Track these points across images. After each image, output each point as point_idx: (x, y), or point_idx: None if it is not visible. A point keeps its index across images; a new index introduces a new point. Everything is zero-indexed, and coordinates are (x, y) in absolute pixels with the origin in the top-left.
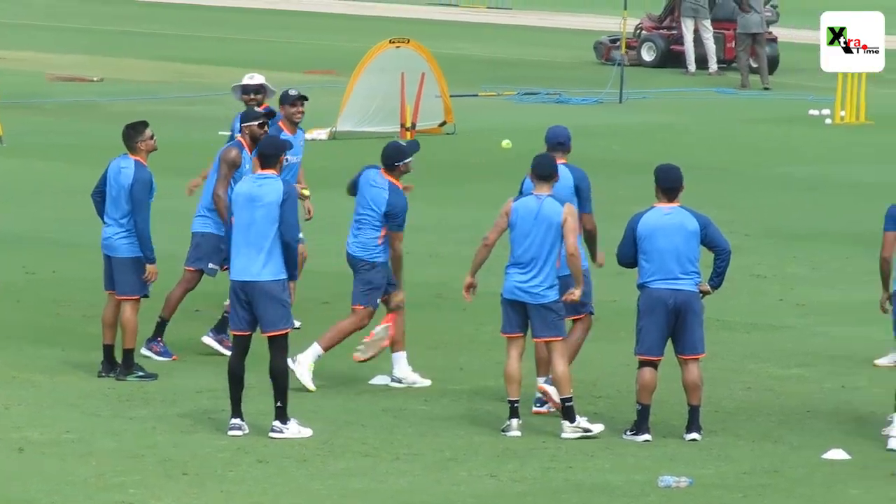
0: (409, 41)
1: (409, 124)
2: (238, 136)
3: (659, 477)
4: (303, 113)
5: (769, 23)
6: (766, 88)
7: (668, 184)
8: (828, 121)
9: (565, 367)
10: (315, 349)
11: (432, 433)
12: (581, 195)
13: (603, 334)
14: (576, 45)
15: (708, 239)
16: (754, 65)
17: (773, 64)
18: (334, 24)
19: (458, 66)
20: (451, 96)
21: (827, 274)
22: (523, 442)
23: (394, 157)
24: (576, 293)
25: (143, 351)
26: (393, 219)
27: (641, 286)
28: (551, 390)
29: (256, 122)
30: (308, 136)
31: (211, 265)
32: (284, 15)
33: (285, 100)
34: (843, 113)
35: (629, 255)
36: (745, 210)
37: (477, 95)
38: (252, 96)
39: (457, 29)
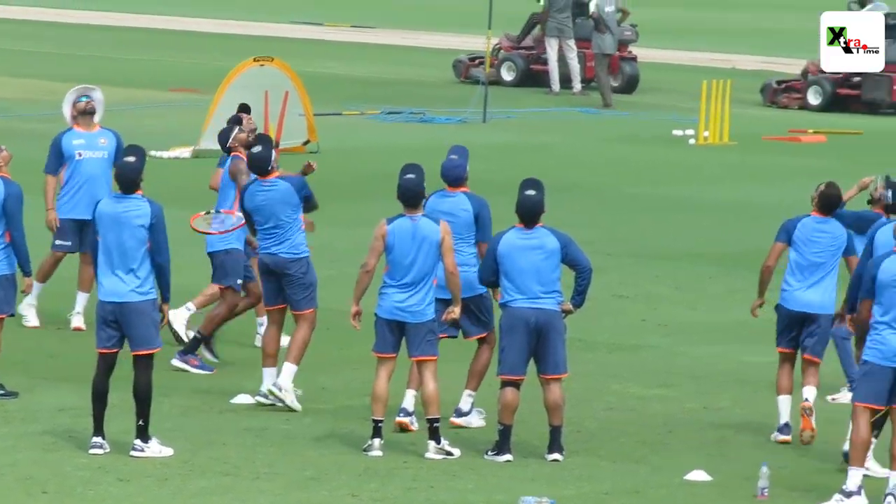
0: (273, 59)
1: (273, 142)
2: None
3: (520, 497)
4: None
5: (629, 42)
6: (606, 106)
7: (526, 213)
8: (691, 141)
9: (435, 387)
10: (290, 369)
11: (294, 452)
12: (480, 223)
13: (469, 354)
14: (439, 63)
15: (569, 258)
16: (615, 83)
17: (632, 83)
18: (199, 43)
19: (322, 85)
20: (314, 115)
21: (689, 294)
22: (386, 462)
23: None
24: (455, 311)
25: (177, 363)
26: (309, 201)
27: (503, 306)
28: (462, 421)
29: (237, 132)
30: (171, 153)
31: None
32: (150, 33)
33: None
34: (706, 133)
35: (490, 274)
36: (608, 229)
37: (341, 114)
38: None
39: (321, 47)
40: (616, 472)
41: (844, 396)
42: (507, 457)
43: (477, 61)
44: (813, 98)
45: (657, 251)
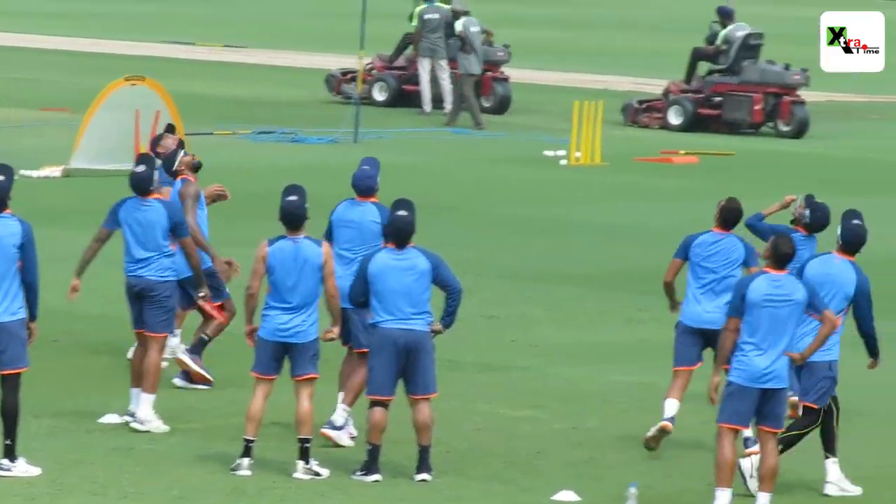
0: (144, 79)
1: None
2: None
3: None
4: None
5: (501, 63)
6: (477, 126)
7: (398, 234)
8: (563, 161)
9: (310, 407)
10: (147, 399)
11: (162, 472)
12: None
13: (335, 376)
14: (312, 84)
15: (440, 279)
16: (486, 104)
17: (505, 104)
18: (70, 62)
19: (193, 105)
20: (186, 134)
21: (560, 315)
22: (255, 481)
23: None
24: (334, 331)
25: (184, 358)
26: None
27: (373, 326)
28: (333, 434)
29: (182, 155)
30: (41, 173)
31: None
32: (19, 52)
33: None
34: (578, 154)
35: (361, 294)
36: (480, 250)
37: (212, 134)
38: None
39: (193, 67)
40: (484, 492)
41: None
42: (376, 476)
43: (349, 76)
44: (674, 118)
45: (529, 272)
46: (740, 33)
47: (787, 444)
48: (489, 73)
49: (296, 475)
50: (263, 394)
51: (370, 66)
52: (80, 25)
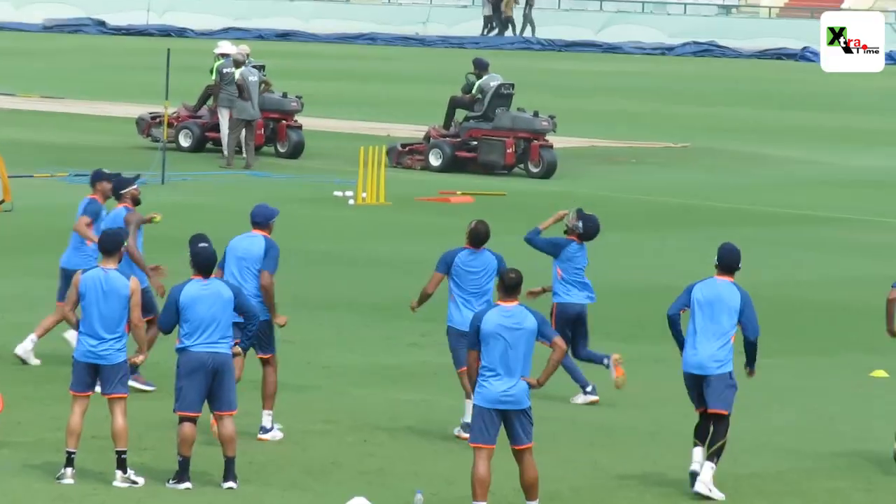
0: None
1: None
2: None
3: None
4: None
5: (294, 112)
6: (247, 167)
7: (203, 264)
8: (351, 202)
9: (124, 422)
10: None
11: None
12: (267, 255)
13: (153, 394)
14: (123, 130)
15: (239, 306)
16: (281, 149)
17: (299, 149)
18: None
19: (15, 150)
20: (9, 177)
21: (349, 339)
22: (77, 489)
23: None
24: (140, 358)
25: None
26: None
27: (183, 350)
28: (268, 436)
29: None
30: None
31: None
32: None
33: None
34: (364, 194)
35: (171, 323)
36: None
37: (32, 176)
38: None
39: (14, 116)
40: (284, 499)
41: (580, 398)
42: (187, 485)
43: (157, 119)
44: (434, 160)
45: (320, 301)
46: (494, 83)
47: (718, 454)
48: (283, 122)
49: (115, 483)
50: (80, 409)
51: (176, 114)
52: None
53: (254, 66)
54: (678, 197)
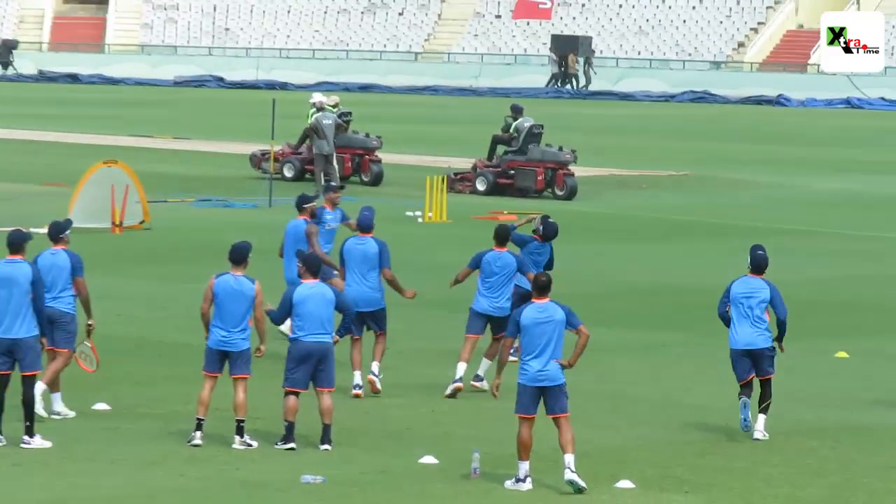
0: (117, 162)
1: (117, 222)
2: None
3: (301, 476)
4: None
5: (375, 148)
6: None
7: (313, 267)
8: (419, 220)
9: (245, 397)
10: (40, 387)
11: (138, 444)
12: (382, 256)
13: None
14: (237, 164)
15: (339, 304)
16: (365, 179)
17: (379, 178)
18: (63, 150)
19: (152, 180)
20: (148, 202)
21: (418, 329)
22: (204, 451)
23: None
24: (262, 349)
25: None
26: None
27: (294, 340)
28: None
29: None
30: (39, 230)
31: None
32: (24, 143)
33: (328, 189)
34: (430, 214)
35: (283, 317)
36: None
37: (167, 201)
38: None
39: (152, 153)
40: (369, 457)
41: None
42: (291, 445)
43: (265, 155)
44: (480, 185)
45: (393, 299)
46: (527, 124)
47: (767, 409)
48: (366, 157)
49: (234, 446)
50: (210, 385)
51: (281, 151)
52: (70, 124)
53: (342, 113)
54: (679, 215)
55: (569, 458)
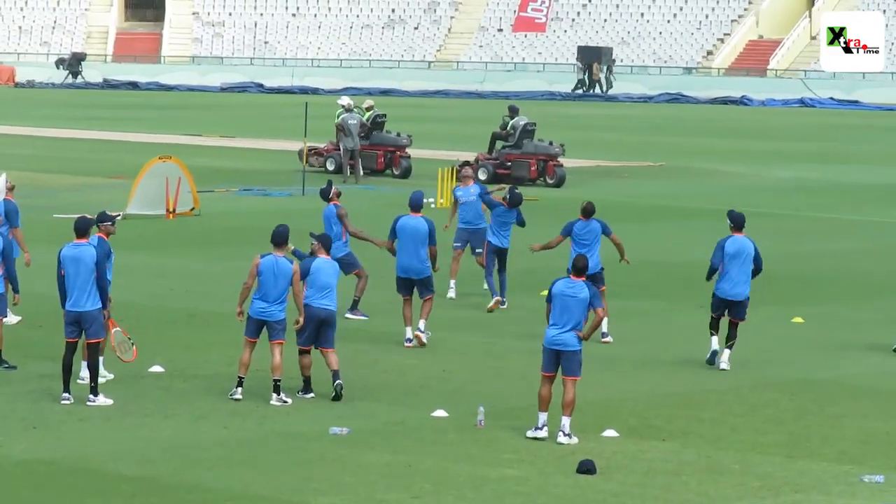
0: (171, 157)
1: (171, 209)
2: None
3: (329, 427)
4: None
5: (405, 146)
6: (356, 182)
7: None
8: (432, 205)
9: (281, 360)
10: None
11: (188, 401)
12: (431, 235)
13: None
14: (273, 158)
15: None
16: (396, 173)
17: (408, 172)
18: (124, 147)
19: (202, 173)
20: (198, 191)
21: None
22: (244, 406)
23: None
24: (300, 320)
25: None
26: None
27: (306, 305)
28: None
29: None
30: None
31: None
32: (92, 142)
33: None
34: (441, 200)
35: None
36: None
37: (213, 191)
38: None
39: (201, 150)
40: (388, 411)
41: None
42: (311, 394)
43: (312, 151)
44: (482, 175)
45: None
46: (522, 122)
47: (732, 346)
48: (397, 153)
49: (272, 402)
50: (249, 349)
51: (325, 147)
52: (130, 125)
53: (377, 115)
54: (658, 200)
55: (564, 421)
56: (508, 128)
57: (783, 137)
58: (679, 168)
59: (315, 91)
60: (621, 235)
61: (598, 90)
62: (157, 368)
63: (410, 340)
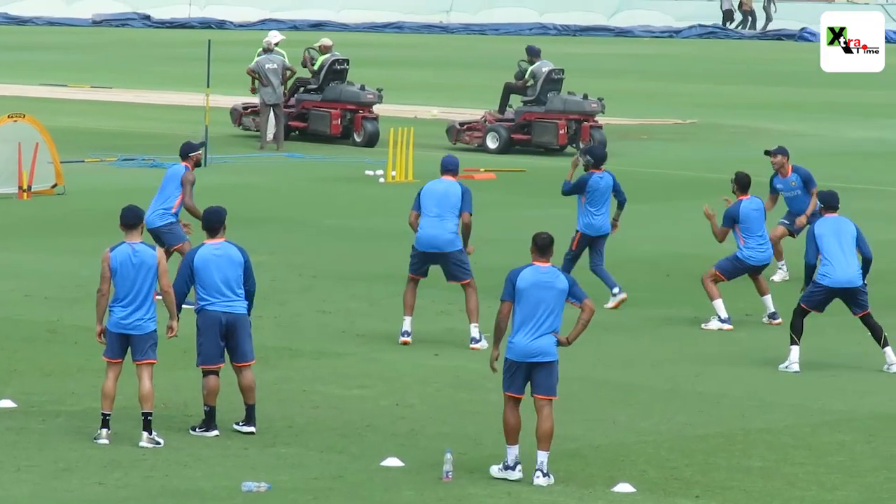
0: (24, 115)
1: (25, 186)
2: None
3: (242, 483)
4: None
5: (370, 104)
6: (261, 148)
7: (212, 223)
8: (381, 179)
9: (151, 386)
10: None
11: (49, 448)
12: (464, 198)
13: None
14: (166, 118)
15: (246, 271)
16: (358, 139)
17: (374, 138)
18: None
19: (67, 137)
20: (61, 162)
21: (381, 308)
22: (127, 453)
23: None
24: (174, 325)
25: None
26: None
27: (200, 310)
28: (479, 345)
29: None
30: None
31: None
32: None
33: None
34: (394, 173)
35: (184, 285)
36: (313, 255)
37: (83, 161)
38: None
39: (66, 105)
40: (322, 460)
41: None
42: (215, 432)
43: (248, 109)
44: (491, 143)
45: (354, 273)
46: (545, 69)
47: (886, 339)
48: (360, 113)
49: (141, 443)
50: (114, 375)
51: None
52: None
53: (337, 59)
54: (687, 170)
55: (542, 457)
56: (527, 76)
57: (858, 85)
58: (715, 126)
59: (221, 25)
60: (640, 216)
61: (754, 24)
62: (6, 403)
63: (408, 334)
